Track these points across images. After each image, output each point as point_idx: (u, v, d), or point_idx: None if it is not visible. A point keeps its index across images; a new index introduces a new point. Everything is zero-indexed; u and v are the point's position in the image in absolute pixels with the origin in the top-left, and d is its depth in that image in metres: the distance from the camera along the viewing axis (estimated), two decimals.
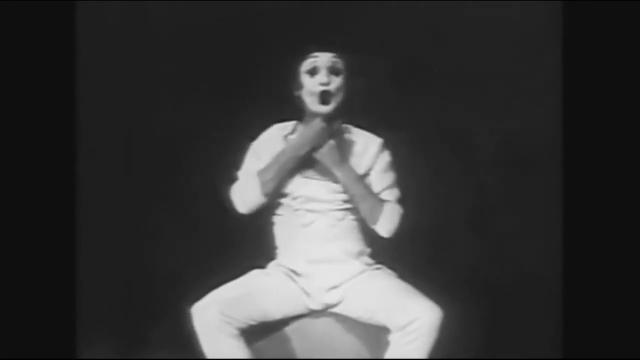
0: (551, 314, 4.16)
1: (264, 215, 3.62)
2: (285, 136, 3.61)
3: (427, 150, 4.73)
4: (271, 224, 3.61)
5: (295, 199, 3.49)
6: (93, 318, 4.45)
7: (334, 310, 3.56)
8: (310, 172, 3.52)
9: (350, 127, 3.65)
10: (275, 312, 3.50)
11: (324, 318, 3.59)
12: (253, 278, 3.52)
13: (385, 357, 3.42)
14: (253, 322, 3.43)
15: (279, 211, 3.55)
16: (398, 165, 3.74)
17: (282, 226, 3.56)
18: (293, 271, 3.53)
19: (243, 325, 3.40)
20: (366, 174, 3.57)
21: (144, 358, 4.64)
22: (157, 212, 4.78)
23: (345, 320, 3.59)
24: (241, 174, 3.60)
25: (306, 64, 3.51)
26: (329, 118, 3.51)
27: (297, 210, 3.49)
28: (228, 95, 4.65)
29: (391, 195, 3.61)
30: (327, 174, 3.51)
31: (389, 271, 3.60)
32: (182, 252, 4.60)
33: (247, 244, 3.94)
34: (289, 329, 3.58)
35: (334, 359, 3.56)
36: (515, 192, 4.81)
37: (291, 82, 3.57)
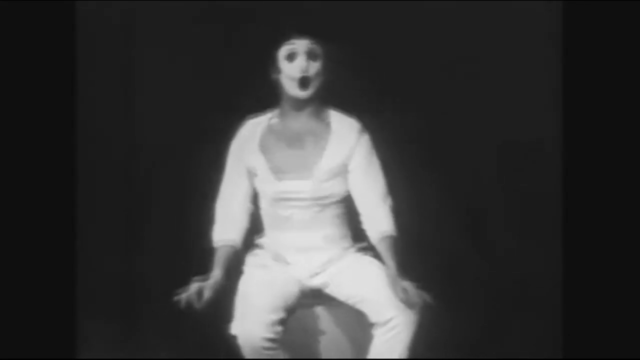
0: (551, 314, 4.17)
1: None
2: (267, 129, 3.68)
3: (423, 149, 4.76)
4: (258, 209, 3.70)
5: (273, 197, 3.60)
6: (92, 318, 4.47)
7: (325, 291, 3.64)
8: (284, 170, 3.60)
9: (329, 110, 3.70)
10: (277, 305, 3.55)
11: (316, 308, 3.68)
12: (259, 285, 3.58)
13: (371, 351, 3.51)
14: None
15: (262, 202, 3.67)
16: (391, 158, 3.80)
17: (266, 215, 3.67)
18: (280, 256, 3.62)
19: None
20: (346, 161, 3.61)
21: (143, 358, 4.64)
22: (154, 210, 4.80)
23: (335, 313, 3.66)
24: (224, 183, 3.71)
25: (284, 50, 3.59)
26: (303, 102, 3.59)
27: (278, 201, 3.59)
28: (229, 94, 4.65)
29: (378, 193, 3.65)
30: (301, 171, 3.58)
31: (369, 257, 3.64)
32: (177, 251, 4.62)
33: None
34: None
35: (331, 359, 3.60)
36: (514, 192, 4.81)
37: (269, 66, 3.62)
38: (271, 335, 3.39)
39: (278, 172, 3.59)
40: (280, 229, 3.62)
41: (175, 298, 3.46)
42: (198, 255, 3.76)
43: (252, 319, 3.39)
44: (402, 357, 3.45)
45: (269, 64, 3.67)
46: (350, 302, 3.56)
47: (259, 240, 3.71)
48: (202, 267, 3.68)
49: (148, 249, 4.77)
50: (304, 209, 3.58)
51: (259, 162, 3.61)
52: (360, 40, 4.53)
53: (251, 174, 3.66)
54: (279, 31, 3.69)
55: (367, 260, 3.62)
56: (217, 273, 3.57)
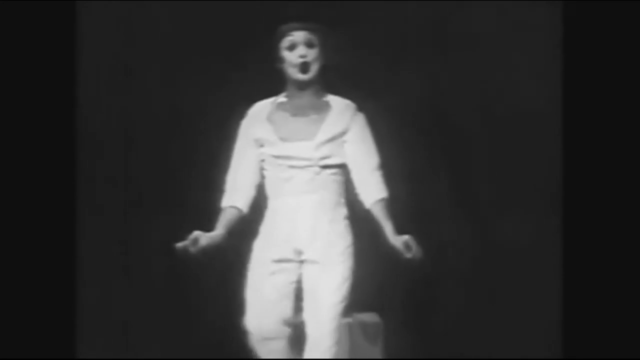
0: (551, 314, 4.17)
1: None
2: (274, 105, 3.94)
3: (423, 143, 4.79)
4: (263, 177, 3.93)
5: (277, 158, 3.88)
6: (92, 317, 4.49)
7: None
8: (289, 135, 3.89)
9: (328, 94, 3.96)
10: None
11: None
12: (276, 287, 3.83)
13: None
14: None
15: (266, 166, 3.94)
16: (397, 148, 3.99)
17: (269, 180, 3.94)
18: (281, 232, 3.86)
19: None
20: (342, 134, 3.90)
21: (141, 358, 4.65)
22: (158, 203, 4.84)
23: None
24: (234, 155, 3.96)
25: (285, 42, 3.90)
26: (305, 84, 3.89)
27: (279, 165, 3.89)
28: (229, 91, 4.68)
29: (371, 163, 3.92)
30: (303, 135, 3.87)
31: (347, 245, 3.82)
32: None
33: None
34: None
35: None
36: (513, 189, 4.82)
37: (273, 57, 3.90)
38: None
39: (283, 136, 3.89)
40: (281, 194, 3.88)
41: (175, 247, 3.66)
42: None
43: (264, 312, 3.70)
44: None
45: (269, 55, 3.91)
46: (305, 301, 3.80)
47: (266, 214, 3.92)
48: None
49: (148, 245, 4.79)
50: (304, 169, 3.85)
51: (266, 131, 3.91)
52: (356, 39, 4.59)
53: (259, 145, 3.93)
54: (277, 20, 3.93)
55: (337, 280, 3.82)
56: (218, 229, 3.84)
